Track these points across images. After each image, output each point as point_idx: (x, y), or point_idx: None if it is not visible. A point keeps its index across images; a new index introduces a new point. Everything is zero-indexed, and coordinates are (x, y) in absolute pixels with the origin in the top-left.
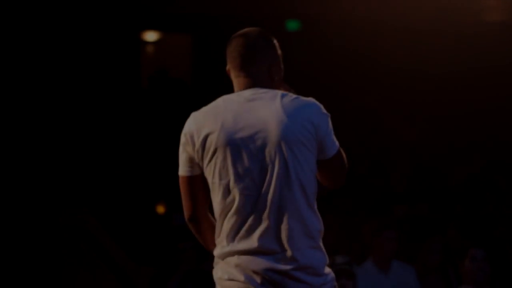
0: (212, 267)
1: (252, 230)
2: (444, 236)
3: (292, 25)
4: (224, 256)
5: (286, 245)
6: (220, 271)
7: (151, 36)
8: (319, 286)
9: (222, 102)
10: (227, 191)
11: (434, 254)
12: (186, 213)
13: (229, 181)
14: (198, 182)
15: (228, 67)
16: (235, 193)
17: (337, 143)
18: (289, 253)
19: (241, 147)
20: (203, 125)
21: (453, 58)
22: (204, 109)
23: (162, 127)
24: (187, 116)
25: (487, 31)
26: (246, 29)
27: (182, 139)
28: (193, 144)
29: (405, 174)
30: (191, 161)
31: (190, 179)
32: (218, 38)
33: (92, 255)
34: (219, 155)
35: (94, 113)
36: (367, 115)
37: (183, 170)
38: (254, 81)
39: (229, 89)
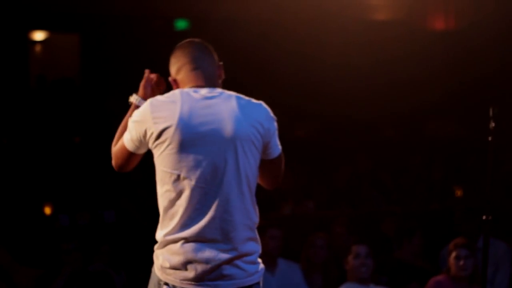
0: (98, 269)
1: (199, 220)
2: (329, 233)
3: (181, 24)
4: (167, 243)
5: (229, 236)
6: (162, 257)
7: (39, 35)
8: (253, 273)
9: (180, 95)
10: (177, 181)
11: (319, 250)
12: (116, 167)
13: (180, 173)
14: (138, 158)
15: (173, 76)
16: (186, 184)
17: (280, 146)
18: (231, 243)
19: (196, 141)
20: (160, 115)
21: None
22: (162, 98)
23: (50, 126)
24: (75, 115)
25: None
26: (188, 39)
27: (138, 118)
28: (149, 129)
29: (292, 171)
30: (140, 142)
31: (132, 155)
32: (106, 37)
33: None
34: (173, 147)
35: None
36: None
37: (129, 146)
38: (208, 80)
39: (118, 87)
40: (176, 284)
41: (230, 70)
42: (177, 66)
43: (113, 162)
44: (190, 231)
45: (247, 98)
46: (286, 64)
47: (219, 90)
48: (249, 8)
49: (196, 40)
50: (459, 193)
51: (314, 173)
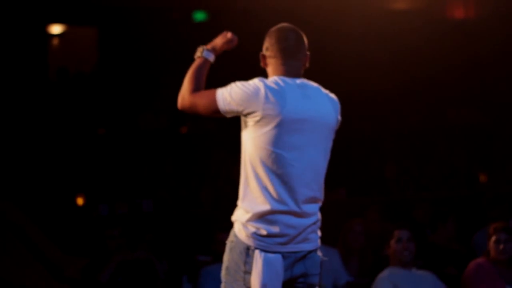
0: (141, 256)
1: (290, 195)
2: (364, 219)
3: (200, 16)
4: (263, 214)
5: (309, 207)
6: (256, 227)
7: (57, 29)
8: (319, 238)
9: (283, 84)
10: (275, 159)
11: (357, 236)
12: (189, 107)
13: (280, 151)
14: (219, 115)
15: (266, 52)
16: (284, 162)
17: None
18: (310, 214)
19: (298, 126)
20: (271, 100)
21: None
22: (271, 84)
23: (71, 119)
24: (95, 107)
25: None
26: (287, 24)
27: (249, 92)
28: (256, 110)
29: None
30: (235, 111)
31: (216, 112)
32: (124, 30)
33: (20, 246)
34: (278, 128)
35: (4, 107)
36: None
37: (222, 105)
38: (299, 71)
39: (133, 81)
40: (268, 249)
41: (249, 61)
42: (276, 47)
43: (188, 102)
44: (283, 205)
45: (327, 91)
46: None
47: (307, 80)
48: None
49: (295, 28)
50: (483, 179)
51: (344, 161)
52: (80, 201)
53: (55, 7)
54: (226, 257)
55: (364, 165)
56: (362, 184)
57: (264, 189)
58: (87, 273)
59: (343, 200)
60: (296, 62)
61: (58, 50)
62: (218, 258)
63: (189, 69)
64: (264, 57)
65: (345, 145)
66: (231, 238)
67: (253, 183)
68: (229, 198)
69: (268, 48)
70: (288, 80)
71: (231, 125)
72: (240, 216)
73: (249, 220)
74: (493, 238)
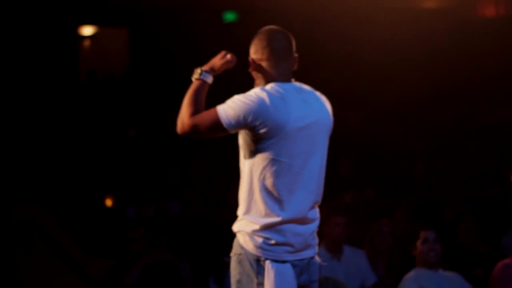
0: (163, 259)
1: (296, 202)
2: (392, 220)
3: (230, 16)
4: (271, 225)
5: (312, 213)
6: (264, 237)
7: (88, 30)
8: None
9: (283, 91)
10: (284, 168)
11: (384, 237)
12: (190, 131)
13: (285, 160)
14: (223, 132)
15: (256, 55)
16: (291, 171)
17: None
18: (312, 219)
19: (302, 132)
20: (277, 109)
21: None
22: (274, 93)
23: (102, 121)
24: (127, 109)
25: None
26: (275, 26)
27: (254, 106)
28: (263, 122)
29: (351, 161)
30: (241, 125)
31: (222, 130)
32: (155, 31)
33: (46, 248)
34: (285, 137)
35: (36, 108)
36: None
37: (226, 122)
38: (290, 74)
39: (164, 82)
40: (277, 258)
41: None
42: (268, 50)
43: (188, 126)
44: (291, 213)
45: (319, 92)
46: (336, 52)
47: (299, 83)
48: None
49: (284, 30)
50: None
51: (373, 161)
52: (109, 202)
53: (86, 9)
54: (235, 270)
55: (393, 165)
56: (391, 185)
57: (272, 200)
58: (112, 275)
59: (372, 200)
60: (288, 64)
61: (89, 52)
62: None
63: (187, 92)
64: (253, 61)
65: (375, 145)
66: (236, 250)
67: (259, 195)
68: None
69: (258, 51)
70: (286, 86)
71: None
72: (245, 227)
73: (257, 230)
74: None
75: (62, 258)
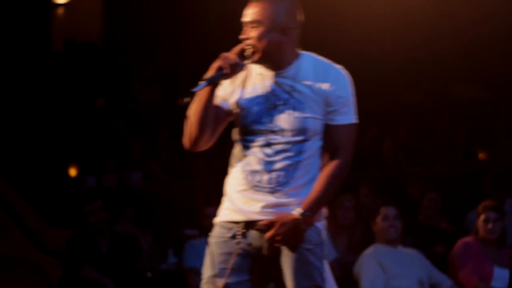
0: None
1: None
2: (355, 195)
3: None
4: None
5: None
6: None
7: None
8: None
9: None
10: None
11: (347, 212)
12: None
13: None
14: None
15: (291, 24)
16: None
17: None
18: None
19: None
20: None
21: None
22: None
23: (73, 89)
24: (98, 78)
25: None
26: None
27: None
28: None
29: None
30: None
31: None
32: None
33: (2, 214)
34: None
35: (4, 76)
36: None
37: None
38: None
39: (138, 52)
40: None
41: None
42: (300, 19)
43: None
44: None
45: None
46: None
47: None
48: None
49: None
50: (482, 156)
51: None
52: (73, 172)
53: None
54: None
55: (360, 140)
56: (357, 159)
57: None
58: (70, 246)
59: None
60: None
61: (63, 20)
62: (204, 232)
63: (191, 109)
64: (288, 29)
65: None
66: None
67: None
68: (220, 172)
69: (292, 20)
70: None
71: None
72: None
73: None
74: (482, 217)
75: (18, 226)
